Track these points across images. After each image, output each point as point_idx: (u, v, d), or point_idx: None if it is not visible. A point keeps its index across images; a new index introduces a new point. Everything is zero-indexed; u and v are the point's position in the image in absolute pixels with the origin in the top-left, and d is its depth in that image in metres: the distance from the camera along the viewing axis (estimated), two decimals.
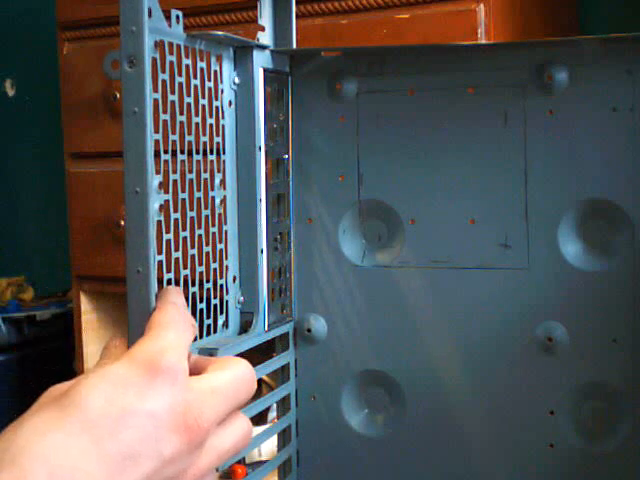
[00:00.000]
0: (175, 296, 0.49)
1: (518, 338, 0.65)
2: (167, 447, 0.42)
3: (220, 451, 0.46)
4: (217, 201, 0.61)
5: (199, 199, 0.58)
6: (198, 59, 0.58)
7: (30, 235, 1.94)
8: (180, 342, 0.45)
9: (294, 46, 0.68)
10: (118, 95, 1.26)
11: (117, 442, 0.40)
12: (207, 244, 0.59)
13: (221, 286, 0.61)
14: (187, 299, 0.51)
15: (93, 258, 1.29)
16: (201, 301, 0.58)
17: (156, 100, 0.51)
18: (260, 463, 0.95)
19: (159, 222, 0.52)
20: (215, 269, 0.60)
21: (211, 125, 0.60)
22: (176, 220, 0.55)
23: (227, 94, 0.62)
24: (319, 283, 0.70)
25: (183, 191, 0.56)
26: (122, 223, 1.26)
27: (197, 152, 0.58)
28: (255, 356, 0.66)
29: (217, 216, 0.61)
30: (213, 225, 0.60)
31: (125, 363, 0.43)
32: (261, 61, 0.64)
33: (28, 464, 0.38)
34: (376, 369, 0.69)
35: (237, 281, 0.64)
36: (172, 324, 0.46)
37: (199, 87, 0.58)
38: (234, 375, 0.47)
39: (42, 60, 1.83)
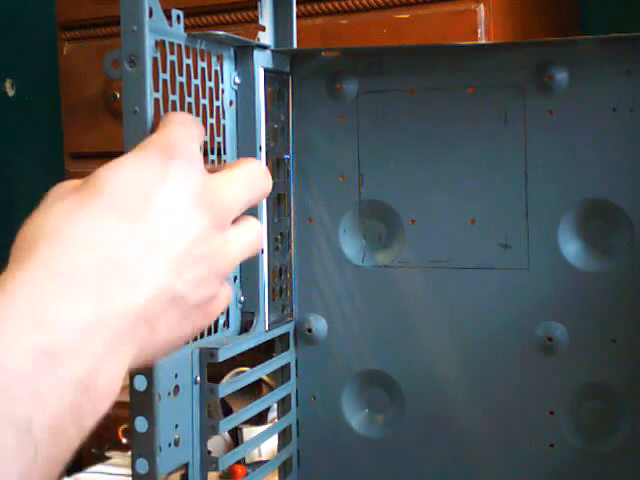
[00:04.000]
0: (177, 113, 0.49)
1: (518, 338, 0.65)
2: (194, 223, 0.42)
3: (242, 244, 0.45)
4: None
5: None
6: (199, 59, 0.58)
7: None
8: (191, 133, 0.45)
9: (294, 46, 0.68)
10: (118, 95, 1.26)
11: (146, 220, 0.40)
12: None
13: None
14: None
15: None
16: None
17: (157, 100, 0.51)
18: (260, 463, 0.95)
19: None
20: None
21: (212, 125, 0.60)
22: None
23: (228, 94, 0.62)
24: (319, 283, 0.70)
25: None
26: None
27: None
28: (255, 356, 0.66)
29: None
30: None
31: (139, 152, 0.43)
32: (262, 61, 0.64)
33: (66, 241, 0.38)
34: (376, 369, 0.69)
35: (238, 281, 0.64)
36: (180, 120, 0.46)
37: (200, 87, 0.58)
38: (248, 168, 0.47)
39: (42, 60, 1.83)
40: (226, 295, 0.46)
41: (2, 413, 0.33)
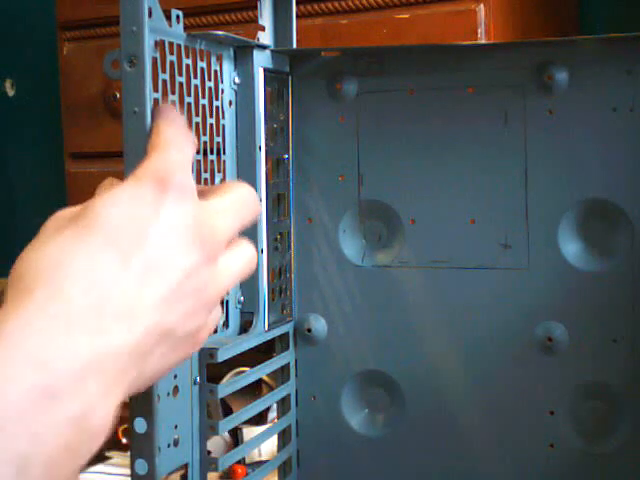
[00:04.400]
0: (171, 113, 0.49)
1: (518, 338, 0.65)
2: (187, 258, 0.42)
3: (233, 271, 0.46)
4: None
5: None
6: (198, 59, 0.58)
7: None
8: (185, 159, 0.45)
9: (294, 46, 0.68)
10: (118, 95, 1.26)
11: (141, 254, 0.41)
12: None
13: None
14: None
15: None
16: None
17: (156, 100, 0.51)
18: (260, 463, 0.95)
19: None
20: None
21: (211, 125, 0.60)
22: None
23: (227, 94, 0.62)
24: (319, 283, 0.70)
25: None
26: None
27: (197, 152, 0.58)
28: (255, 356, 0.66)
29: None
30: None
31: (134, 182, 0.43)
32: (261, 61, 0.64)
33: (62, 281, 0.38)
34: (376, 369, 0.69)
35: None
36: (173, 143, 0.46)
37: (199, 87, 0.58)
38: (239, 195, 0.48)
39: (42, 60, 1.83)
40: (213, 321, 0.47)
41: (0, 451, 0.34)
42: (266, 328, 0.66)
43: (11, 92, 1.96)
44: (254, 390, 0.93)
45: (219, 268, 0.45)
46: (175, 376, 0.54)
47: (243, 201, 0.48)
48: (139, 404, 0.52)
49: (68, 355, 0.37)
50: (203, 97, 0.59)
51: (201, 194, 0.46)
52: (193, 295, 0.43)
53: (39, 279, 0.39)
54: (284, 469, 0.70)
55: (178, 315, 0.42)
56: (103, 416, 0.38)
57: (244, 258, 0.48)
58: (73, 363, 0.37)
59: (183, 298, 0.42)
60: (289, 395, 0.70)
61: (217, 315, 0.47)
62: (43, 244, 0.41)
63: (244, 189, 0.49)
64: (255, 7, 0.67)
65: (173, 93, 0.55)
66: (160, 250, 0.41)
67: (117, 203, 0.42)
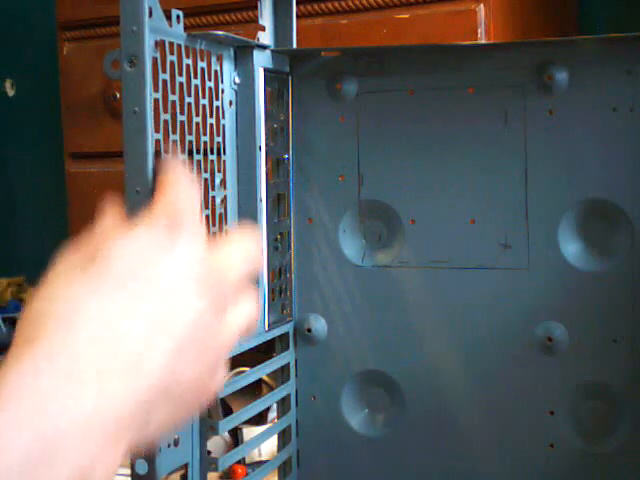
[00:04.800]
0: (175, 161, 0.48)
1: (518, 338, 0.65)
2: (195, 307, 0.41)
3: (238, 324, 0.45)
4: (217, 201, 0.61)
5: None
6: (199, 59, 0.58)
7: (30, 235, 1.94)
8: (194, 205, 0.45)
9: (294, 46, 0.68)
10: (118, 95, 1.26)
11: (150, 303, 0.40)
12: None
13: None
14: None
15: None
16: None
17: (157, 100, 0.51)
18: (260, 463, 0.95)
19: None
20: None
21: (211, 125, 0.60)
22: None
23: (227, 94, 0.62)
24: (319, 283, 0.70)
25: None
26: None
27: (198, 152, 0.58)
28: (255, 356, 0.66)
29: (218, 216, 0.61)
30: (214, 225, 0.60)
31: (146, 227, 0.43)
32: (261, 61, 0.64)
33: (67, 333, 0.38)
34: (376, 369, 0.69)
35: None
36: (181, 188, 0.46)
37: (199, 87, 0.58)
38: (243, 246, 0.47)
39: (42, 60, 1.83)
40: (221, 376, 0.46)
41: None
42: (266, 328, 0.66)
43: (11, 92, 1.96)
44: (254, 390, 0.93)
45: (228, 317, 0.44)
46: None
47: (250, 251, 0.47)
48: None
49: (68, 412, 0.36)
50: (203, 97, 0.59)
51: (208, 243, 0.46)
52: (199, 347, 0.42)
53: (46, 330, 0.38)
54: (284, 469, 0.70)
55: (183, 368, 0.41)
56: (104, 473, 0.37)
57: (247, 309, 0.46)
58: (73, 421, 0.36)
59: (191, 348, 0.41)
60: (289, 395, 0.70)
61: (223, 371, 0.46)
62: (51, 293, 0.40)
63: (250, 240, 0.48)
64: (255, 7, 0.67)
65: (173, 93, 0.54)
66: (170, 299, 0.41)
67: (128, 249, 0.41)
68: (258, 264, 0.49)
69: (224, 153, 0.62)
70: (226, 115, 0.62)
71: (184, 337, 0.41)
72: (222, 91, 0.62)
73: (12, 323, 1.52)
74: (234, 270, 0.45)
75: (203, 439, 0.58)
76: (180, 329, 0.41)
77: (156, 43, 0.51)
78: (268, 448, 0.97)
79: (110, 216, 0.46)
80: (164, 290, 0.41)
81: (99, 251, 0.41)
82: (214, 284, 0.43)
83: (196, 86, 0.57)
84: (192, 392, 0.43)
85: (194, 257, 0.42)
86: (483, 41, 1.04)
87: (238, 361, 0.65)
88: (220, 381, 0.46)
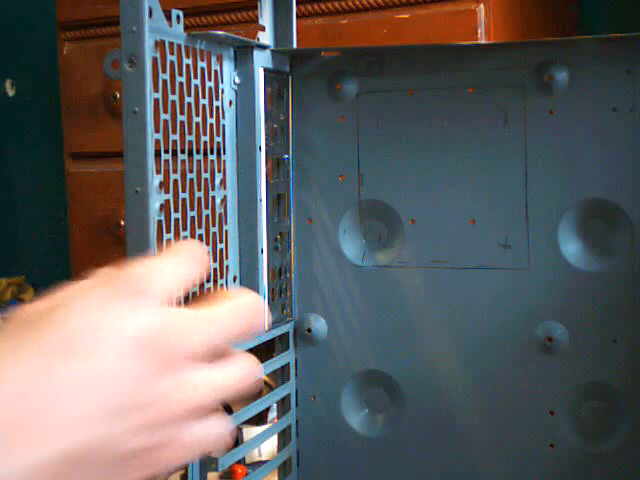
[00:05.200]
0: (193, 243, 0.46)
1: (518, 338, 0.65)
2: (133, 371, 0.39)
3: (209, 386, 0.42)
4: (217, 201, 0.61)
5: (199, 199, 0.58)
6: (199, 59, 0.58)
7: (30, 235, 1.94)
8: (175, 271, 0.42)
9: (294, 46, 0.68)
10: (118, 95, 1.26)
11: (82, 365, 0.38)
12: (207, 244, 0.59)
13: (221, 286, 0.61)
14: (187, 299, 0.51)
15: (93, 258, 1.29)
16: None
17: (156, 100, 0.51)
18: (260, 463, 0.95)
19: (159, 222, 0.52)
20: (215, 269, 0.60)
21: (211, 125, 0.60)
22: (176, 220, 0.55)
23: (227, 94, 0.62)
24: (319, 283, 0.70)
25: (184, 191, 0.56)
26: (122, 223, 1.26)
27: (197, 152, 0.58)
28: (255, 356, 0.66)
29: (217, 216, 0.61)
30: (214, 225, 0.60)
31: (106, 288, 0.41)
32: (261, 61, 0.64)
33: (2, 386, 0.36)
34: (376, 369, 0.69)
35: (237, 281, 0.64)
36: (172, 255, 0.44)
37: (199, 87, 0.58)
38: (234, 305, 0.44)
39: (42, 60, 1.83)
40: (182, 439, 0.42)
41: None
42: (266, 328, 0.66)
43: (11, 92, 1.96)
44: None
45: (182, 382, 0.41)
46: None
47: (239, 311, 0.44)
48: None
49: None
50: (203, 97, 0.59)
51: (199, 300, 0.44)
52: (140, 410, 0.39)
53: None
54: (284, 469, 0.70)
55: (124, 432, 0.39)
56: None
57: (229, 374, 0.43)
58: None
59: (126, 412, 0.39)
60: (289, 395, 0.70)
61: (198, 432, 0.42)
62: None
63: (246, 298, 0.45)
64: (255, 7, 0.67)
65: (173, 93, 0.55)
66: (104, 364, 0.39)
67: (77, 310, 0.40)
68: (257, 324, 0.45)
69: (224, 153, 0.62)
70: (226, 115, 0.62)
71: (118, 398, 0.39)
72: (222, 91, 0.62)
73: None
74: (204, 331, 0.42)
75: None
76: (113, 390, 0.38)
77: (156, 43, 0.51)
78: (268, 448, 0.97)
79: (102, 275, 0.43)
80: (98, 355, 0.39)
81: (51, 313, 0.40)
82: (162, 345, 0.40)
83: (196, 86, 0.57)
84: (137, 455, 0.40)
85: (145, 320, 0.40)
86: (483, 41, 1.04)
87: None
88: (187, 442, 0.42)
